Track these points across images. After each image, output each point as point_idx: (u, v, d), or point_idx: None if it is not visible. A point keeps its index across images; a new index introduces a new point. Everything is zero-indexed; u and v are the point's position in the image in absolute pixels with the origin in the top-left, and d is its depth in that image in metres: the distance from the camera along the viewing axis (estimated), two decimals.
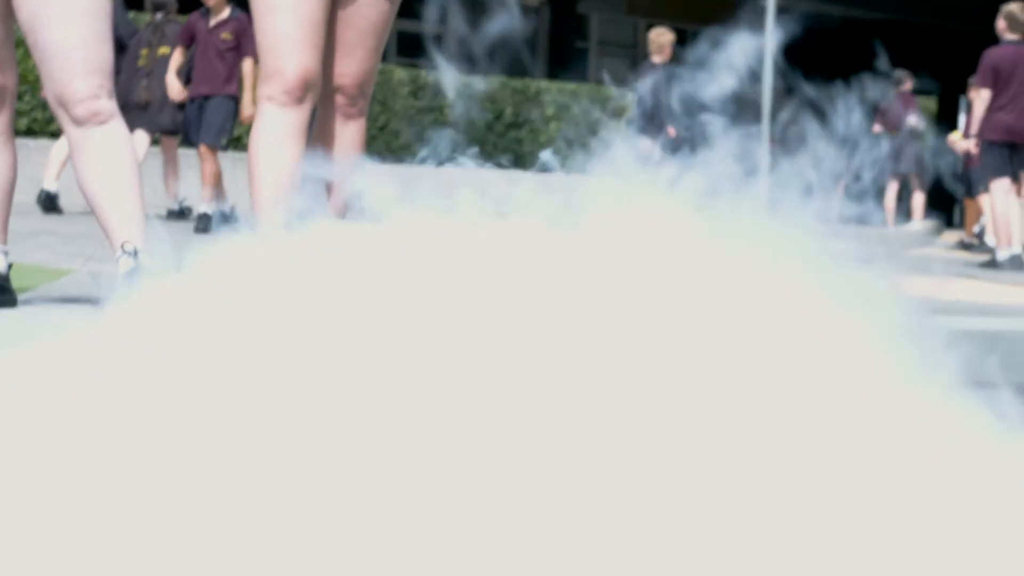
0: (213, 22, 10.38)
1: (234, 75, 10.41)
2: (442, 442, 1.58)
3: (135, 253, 3.54)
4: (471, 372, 1.68)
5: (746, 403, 1.66)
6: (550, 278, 1.88)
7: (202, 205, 10.42)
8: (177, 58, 10.44)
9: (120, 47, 10.58)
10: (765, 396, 1.68)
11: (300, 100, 3.55)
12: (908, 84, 15.62)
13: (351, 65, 3.69)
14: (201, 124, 10.39)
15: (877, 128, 15.76)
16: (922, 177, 15.50)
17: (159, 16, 10.92)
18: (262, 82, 3.60)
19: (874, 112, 16.00)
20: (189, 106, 10.48)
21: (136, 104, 10.58)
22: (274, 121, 3.55)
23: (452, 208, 2.05)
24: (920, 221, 15.65)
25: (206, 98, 10.38)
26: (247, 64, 10.25)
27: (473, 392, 1.65)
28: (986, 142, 10.41)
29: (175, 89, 10.40)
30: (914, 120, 15.34)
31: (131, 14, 11.86)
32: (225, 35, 10.34)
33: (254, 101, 10.24)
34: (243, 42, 10.25)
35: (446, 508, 1.49)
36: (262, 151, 3.55)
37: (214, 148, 10.35)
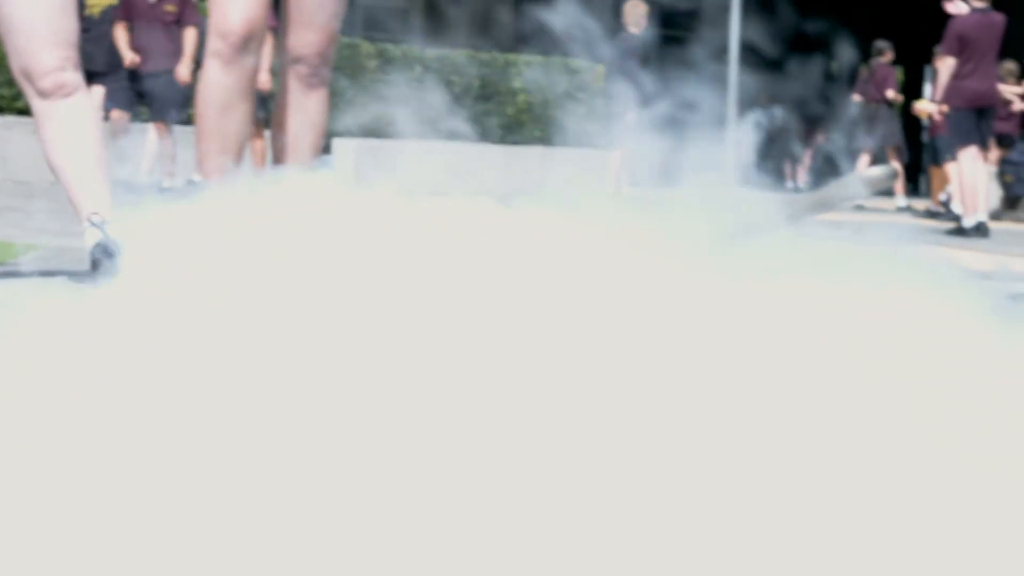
0: None
1: (182, 48, 10.39)
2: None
3: (103, 225, 3.53)
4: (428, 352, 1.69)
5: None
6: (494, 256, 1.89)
7: (165, 180, 10.41)
8: (122, 34, 10.35)
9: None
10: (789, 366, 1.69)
11: (242, 52, 3.56)
12: (888, 55, 15.55)
13: (311, 34, 3.69)
14: (153, 101, 10.34)
15: (857, 97, 15.74)
16: (900, 149, 15.45)
17: None
18: (209, 38, 3.61)
19: (855, 82, 15.99)
20: (136, 81, 10.40)
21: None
22: (221, 80, 3.57)
23: (417, 181, 2.06)
24: (881, 166, 15.51)
25: (154, 75, 10.32)
26: (190, 33, 10.24)
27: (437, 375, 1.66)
28: (953, 109, 10.43)
29: (128, 57, 10.31)
30: (892, 93, 15.28)
31: None
32: (169, 7, 10.30)
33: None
34: (185, 12, 10.25)
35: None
36: (210, 113, 3.58)
37: (169, 124, 10.33)
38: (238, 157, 3.65)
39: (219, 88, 3.59)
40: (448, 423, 1.59)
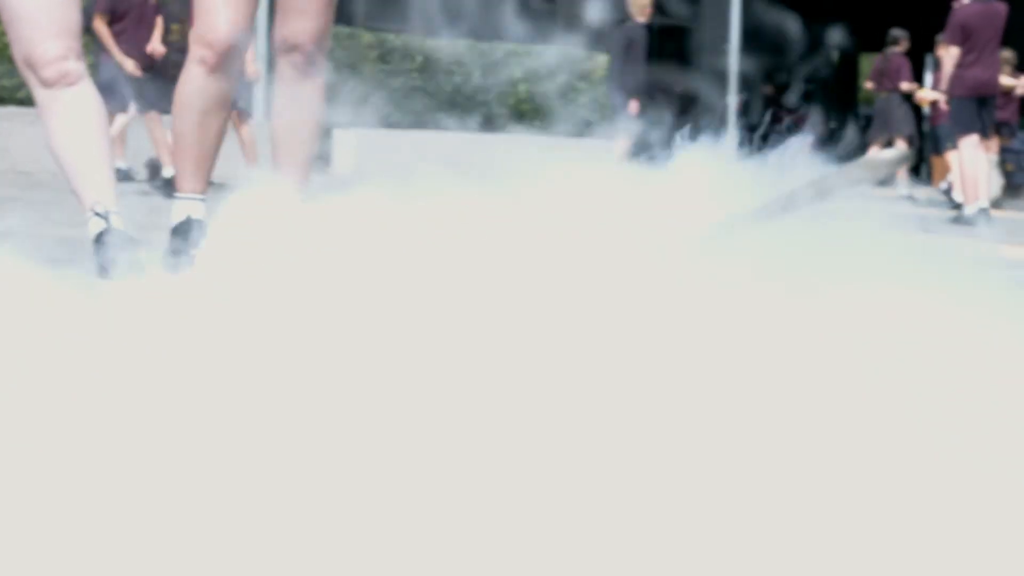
0: None
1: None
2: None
3: (106, 215, 3.53)
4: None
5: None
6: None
7: (166, 169, 10.47)
8: (105, 31, 10.40)
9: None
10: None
11: (226, 61, 3.55)
12: (904, 44, 15.40)
13: (306, 23, 3.67)
14: (146, 94, 10.41)
15: (870, 85, 15.63)
16: (912, 139, 15.33)
17: None
18: (193, 46, 3.59)
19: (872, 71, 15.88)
20: (121, 74, 10.44)
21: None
22: (205, 88, 3.57)
23: (417, 172, 2.06)
24: (891, 150, 15.39)
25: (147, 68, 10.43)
26: (159, 18, 10.38)
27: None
28: (955, 98, 10.44)
29: (130, 65, 10.38)
30: (907, 84, 15.16)
31: None
32: None
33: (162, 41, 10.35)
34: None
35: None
36: (189, 118, 3.58)
37: (163, 113, 10.43)
38: (212, 161, 3.65)
39: (201, 95, 3.58)
40: (443, 422, 1.59)
